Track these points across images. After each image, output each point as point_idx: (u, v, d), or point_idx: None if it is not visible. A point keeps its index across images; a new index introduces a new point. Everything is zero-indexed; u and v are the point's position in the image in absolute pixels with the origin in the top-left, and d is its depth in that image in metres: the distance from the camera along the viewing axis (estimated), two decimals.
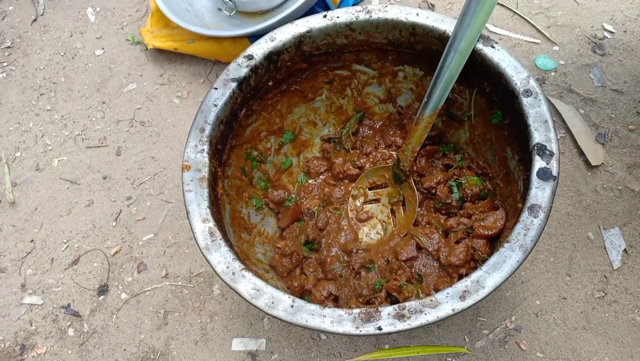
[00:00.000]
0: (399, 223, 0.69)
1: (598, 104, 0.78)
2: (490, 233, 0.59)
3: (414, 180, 0.68)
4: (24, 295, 0.75)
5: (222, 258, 0.50)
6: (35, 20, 1.02)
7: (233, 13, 0.88)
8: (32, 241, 0.79)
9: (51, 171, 0.85)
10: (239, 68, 0.60)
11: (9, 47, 0.99)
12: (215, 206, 0.56)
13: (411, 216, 0.67)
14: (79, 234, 0.79)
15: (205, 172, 0.55)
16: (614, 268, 0.67)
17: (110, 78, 0.92)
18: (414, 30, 0.60)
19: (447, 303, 0.45)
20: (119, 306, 0.72)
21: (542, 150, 0.51)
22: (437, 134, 0.70)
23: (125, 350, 0.69)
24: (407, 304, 0.46)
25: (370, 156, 0.72)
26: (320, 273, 0.65)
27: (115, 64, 0.94)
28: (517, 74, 0.55)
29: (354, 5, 0.92)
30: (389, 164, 0.70)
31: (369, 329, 0.45)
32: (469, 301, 0.45)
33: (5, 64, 0.97)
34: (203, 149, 0.56)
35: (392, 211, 0.70)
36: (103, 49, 0.96)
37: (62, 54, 0.96)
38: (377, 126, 0.74)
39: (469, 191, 0.64)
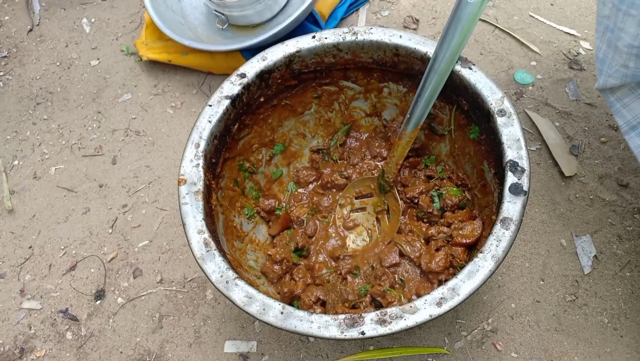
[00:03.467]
0: (384, 230, 0.72)
1: (573, 117, 0.82)
2: (468, 241, 0.63)
3: (397, 190, 0.72)
4: (22, 300, 0.78)
5: (216, 268, 0.54)
6: (31, 30, 1.04)
7: (225, 26, 0.91)
8: (30, 247, 0.82)
9: (48, 179, 0.87)
10: (232, 86, 0.63)
11: (5, 56, 1.01)
12: (210, 217, 0.60)
13: (395, 224, 0.71)
14: (76, 240, 0.81)
15: (200, 185, 0.59)
16: (585, 273, 0.72)
17: (106, 88, 0.95)
18: (397, 52, 0.64)
19: (425, 309, 0.49)
20: (116, 310, 0.75)
21: (514, 166, 0.55)
22: (420, 147, 0.74)
23: (121, 352, 0.72)
24: (388, 310, 0.49)
25: (357, 166, 0.76)
26: (309, 278, 0.68)
27: (110, 74, 0.96)
28: (492, 94, 0.59)
29: (342, 19, 0.96)
30: (374, 175, 0.74)
31: (353, 333, 0.49)
32: (445, 308, 0.49)
33: (2, 73, 0.99)
34: (198, 164, 0.60)
35: (377, 219, 0.74)
36: (98, 59, 0.98)
37: (58, 64, 0.99)
38: (364, 138, 0.78)
39: (449, 201, 0.68)
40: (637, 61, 0.52)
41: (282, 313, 0.51)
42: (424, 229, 0.69)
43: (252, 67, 0.65)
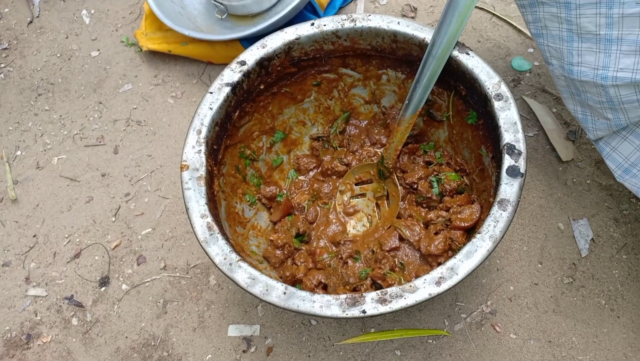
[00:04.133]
0: (383, 215, 0.73)
1: None
2: (466, 224, 0.64)
3: (397, 176, 0.73)
4: (28, 287, 0.79)
5: (219, 250, 0.55)
6: (31, 22, 1.05)
7: (224, 16, 0.91)
8: (34, 236, 0.83)
9: (51, 169, 0.88)
10: (232, 73, 0.64)
11: (6, 48, 1.02)
12: (212, 202, 0.61)
13: (394, 210, 0.72)
14: (79, 229, 0.82)
15: (202, 171, 0.60)
16: (582, 256, 0.73)
17: (106, 79, 0.96)
18: (396, 38, 0.65)
19: (425, 288, 0.50)
20: (120, 296, 0.77)
21: (512, 149, 0.56)
22: (419, 133, 0.75)
23: (126, 337, 0.74)
24: (388, 290, 0.50)
25: (357, 153, 0.77)
26: (310, 263, 0.69)
27: (111, 65, 0.97)
28: (489, 79, 0.59)
29: (340, 8, 0.97)
30: (374, 161, 0.75)
31: (354, 312, 0.50)
32: (444, 286, 0.50)
33: (2, 65, 1.00)
34: (200, 150, 0.61)
35: (377, 205, 0.75)
36: (98, 50, 0.99)
37: (58, 55, 1.00)
38: (363, 125, 0.79)
39: (448, 186, 0.69)
40: (613, 112, 0.55)
41: (284, 293, 0.52)
42: (423, 214, 0.70)
43: (252, 55, 0.65)
